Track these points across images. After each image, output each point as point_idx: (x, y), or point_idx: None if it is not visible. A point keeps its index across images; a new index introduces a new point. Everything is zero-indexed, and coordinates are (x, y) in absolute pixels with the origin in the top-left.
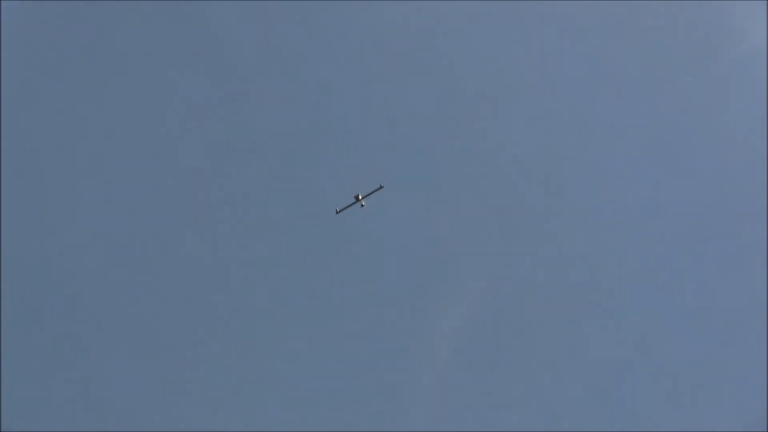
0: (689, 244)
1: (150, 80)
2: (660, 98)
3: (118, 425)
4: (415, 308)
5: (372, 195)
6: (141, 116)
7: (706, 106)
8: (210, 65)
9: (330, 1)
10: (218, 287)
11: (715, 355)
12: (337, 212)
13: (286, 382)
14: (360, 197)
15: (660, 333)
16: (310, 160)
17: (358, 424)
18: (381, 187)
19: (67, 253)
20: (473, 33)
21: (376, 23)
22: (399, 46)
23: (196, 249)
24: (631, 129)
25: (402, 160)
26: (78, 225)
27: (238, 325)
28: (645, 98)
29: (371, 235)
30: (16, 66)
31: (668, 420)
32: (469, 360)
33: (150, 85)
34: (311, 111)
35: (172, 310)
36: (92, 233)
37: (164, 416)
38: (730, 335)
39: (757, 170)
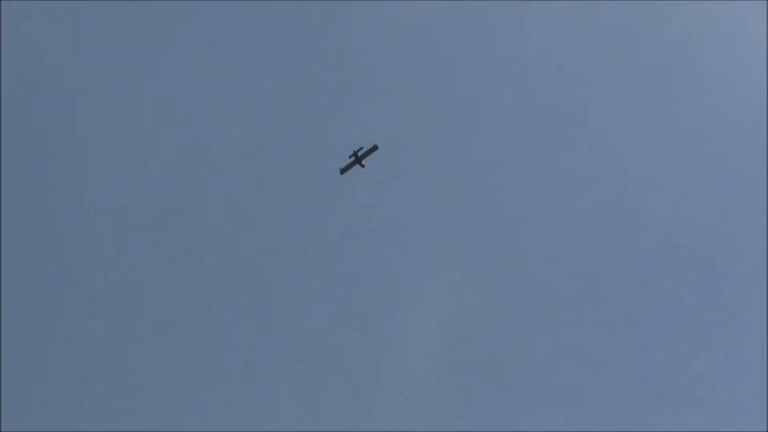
0: (690, 244)
1: (149, 80)
2: (660, 98)
3: (118, 425)
4: (392, 307)
5: (369, 156)
6: (140, 115)
7: (705, 105)
8: (207, 61)
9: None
10: (207, 286)
11: (715, 356)
12: (341, 173)
13: (271, 381)
14: (359, 155)
15: (659, 332)
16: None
17: (341, 423)
18: (376, 147)
19: (67, 253)
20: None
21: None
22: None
23: (189, 253)
24: (630, 128)
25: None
26: (78, 225)
27: (223, 325)
28: (645, 98)
29: (354, 231)
30: (16, 66)
31: (668, 420)
32: (448, 359)
33: (149, 85)
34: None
35: (169, 308)
36: (92, 234)
37: (164, 416)
38: (730, 336)
39: (757, 169)
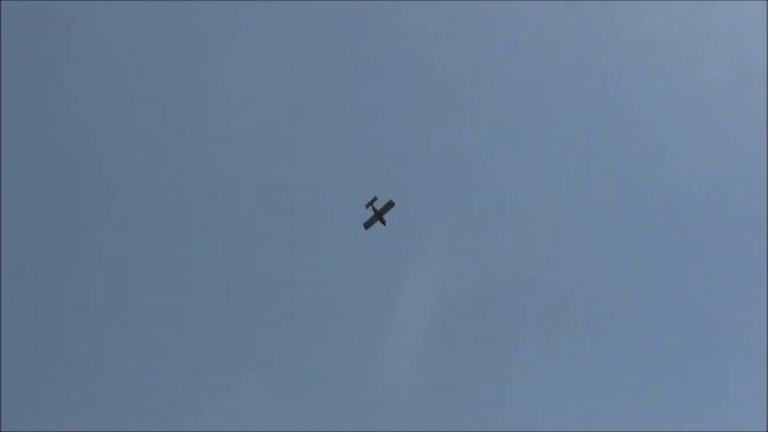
0: (691, 243)
1: (147, 80)
2: (660, 97)
3: (118, 425)
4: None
5: (387, 210)
6: (139, 116)
7: (706, 104)
8: (209, 64)
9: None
10: (205, 290)
11: (715, 356)
12: (366, 228)
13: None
14: (377, 208)
15: (657, 332)
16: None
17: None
18: (392, 203)
19: (67, 253)
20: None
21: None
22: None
23: (186, 252)
24: (630, 127)
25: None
26: (77, 226)
27: (216, 326)
28: (646, 96)
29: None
30: (16, 66)
31: (666, 420)
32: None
33: (148, 86)
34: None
35: (169, 310)
36: (92, 234)
37: (164, 416)
38: (730, 336)
39: (757, 169)
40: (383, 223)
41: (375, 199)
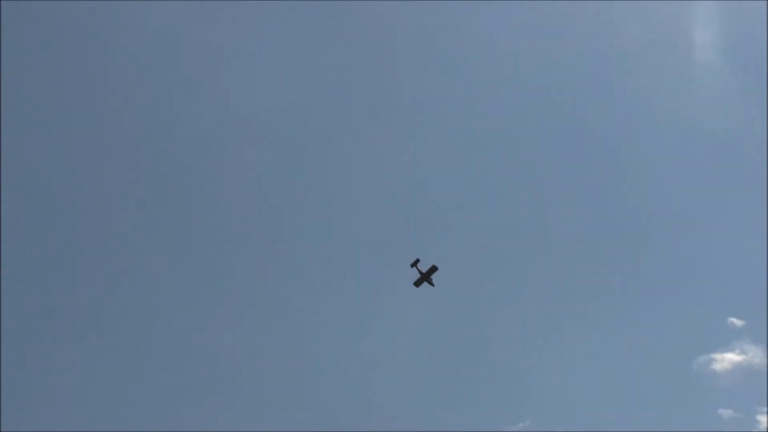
0: (690, 244)
1: (147, 81)
2: (662, 95)
3: (118, 425)
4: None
5: (431, 273)
6: (138, 116)
7: (707, 105)
8: (210, 67)
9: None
10: (217, 291)
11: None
12: (417, 286)
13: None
14: (422, 270)
15: (656, 330)
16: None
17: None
18: (436, 268)
19: (67, 252)
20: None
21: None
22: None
23: (185, 247)
24: (633, 125)
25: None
26: (77, 224)
27: (230, 331)
28: (650, 94)
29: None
30: (16, 66)
31: (666, 419)
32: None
33: (148, 87)
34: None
35: (170, 311)
36: (93, 232)
37: (164, 416)
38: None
39: (757, 167)
40: (431, 284)
41: (418, 261)
